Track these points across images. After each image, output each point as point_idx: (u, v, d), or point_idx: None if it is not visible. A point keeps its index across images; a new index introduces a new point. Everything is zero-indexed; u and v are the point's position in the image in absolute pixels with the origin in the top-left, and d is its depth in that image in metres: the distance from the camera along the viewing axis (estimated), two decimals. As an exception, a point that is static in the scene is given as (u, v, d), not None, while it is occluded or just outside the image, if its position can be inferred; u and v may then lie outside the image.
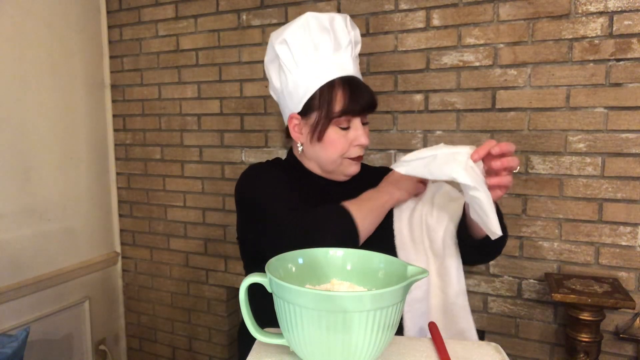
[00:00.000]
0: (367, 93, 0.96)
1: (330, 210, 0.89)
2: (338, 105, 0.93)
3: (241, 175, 1.01)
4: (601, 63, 1.32)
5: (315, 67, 0.94)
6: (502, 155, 0.72)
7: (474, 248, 0.91)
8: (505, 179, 0.73)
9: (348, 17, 0.99)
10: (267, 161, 1.10)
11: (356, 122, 0.96)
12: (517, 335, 1.49)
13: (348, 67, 0.96)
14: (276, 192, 0.96)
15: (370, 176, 1.03)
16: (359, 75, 0.99)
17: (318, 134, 0.95)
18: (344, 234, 0.86)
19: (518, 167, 0.74)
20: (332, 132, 0.95)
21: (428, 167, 0.75)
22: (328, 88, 0.94)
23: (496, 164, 0.72)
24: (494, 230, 0.72)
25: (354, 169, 1.00)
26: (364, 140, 0.96)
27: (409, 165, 0.79)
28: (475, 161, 0.72)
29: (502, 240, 0.91)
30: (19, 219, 1.72)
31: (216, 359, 2.02)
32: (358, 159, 1.00)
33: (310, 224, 0.87)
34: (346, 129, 0.96)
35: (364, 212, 0.88)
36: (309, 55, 0.94)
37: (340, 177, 1.02)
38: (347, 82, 0.94)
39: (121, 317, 2.22)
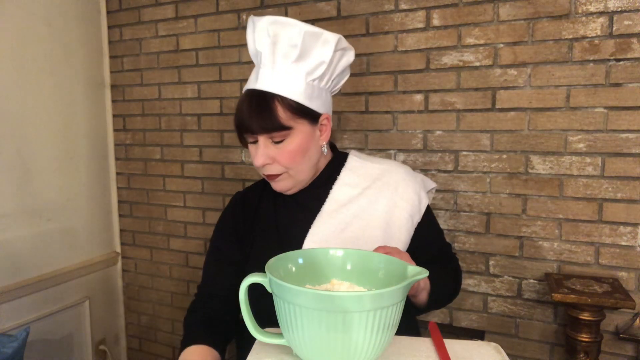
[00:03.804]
0: (247, 112, 0.84)
1: (188, 324, 0.93)
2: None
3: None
4: (601, 63, 1.32)
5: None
6: None
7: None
8: None
9: (265, 19, 0.88)
10: (252, 184, 1.09)
11: (259, 139, 0.86)
12: (517, 335, 1.49)
13: (259, 79, 0.86)
14: (209, 260, 1.01)
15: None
16: (274, 85, 0.84)
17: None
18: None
19: None
20: (249, 145, 0.91)
21: None
22: None
23: None
24: None
25: (274, 186, 0.92)
26: (255, 161, 0.87)
27: None
28: None
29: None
30: (19, 219, 1.72)
31: (216, 359, 2.02)
32: (270, 177, 0.90)
33: (184, 325, 0.95)
34: (253, 143, 0.89)
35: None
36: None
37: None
38: (244, 97, 0.88)
39: (121, 317, 2.22)
